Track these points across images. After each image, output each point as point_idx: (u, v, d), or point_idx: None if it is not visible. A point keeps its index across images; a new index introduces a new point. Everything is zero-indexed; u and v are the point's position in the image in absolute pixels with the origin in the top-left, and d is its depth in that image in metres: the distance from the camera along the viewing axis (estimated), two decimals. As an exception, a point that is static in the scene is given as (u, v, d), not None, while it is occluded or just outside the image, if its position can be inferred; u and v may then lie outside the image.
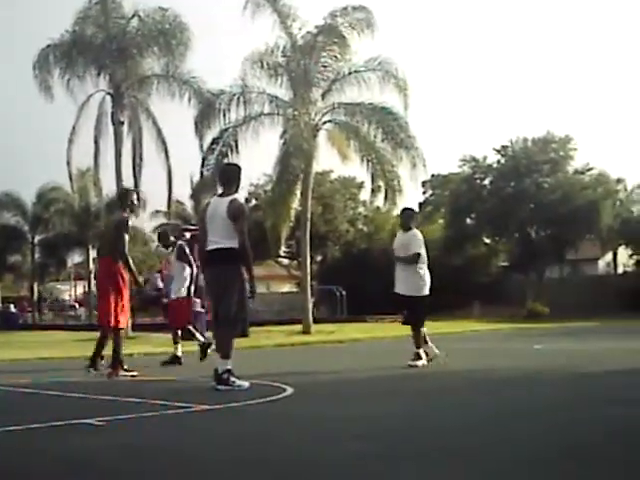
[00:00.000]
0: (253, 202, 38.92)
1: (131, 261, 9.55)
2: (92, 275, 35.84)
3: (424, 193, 44.41)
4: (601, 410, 5.93)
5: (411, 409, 6.41)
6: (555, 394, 7.16)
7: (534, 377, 8.75)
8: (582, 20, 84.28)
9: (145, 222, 44.13)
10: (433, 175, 41.97)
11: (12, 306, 43.01)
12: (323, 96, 25.06)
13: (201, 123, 24.56)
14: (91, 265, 37.96)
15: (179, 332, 11.79)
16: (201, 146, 24.65)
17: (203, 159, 24.58)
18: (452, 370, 9.93)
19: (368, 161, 24.73)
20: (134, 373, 9.58)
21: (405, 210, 11.36)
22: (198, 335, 11.86)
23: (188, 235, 17.87)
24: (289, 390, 7.40)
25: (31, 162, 71.14)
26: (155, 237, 41.10)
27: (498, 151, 39.18)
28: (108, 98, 25.72)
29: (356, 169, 27.09)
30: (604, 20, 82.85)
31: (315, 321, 24.96)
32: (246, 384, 7.62)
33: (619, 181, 39.70)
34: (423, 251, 10.35)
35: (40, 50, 24.95)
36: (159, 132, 26.40)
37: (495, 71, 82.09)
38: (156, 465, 4.24)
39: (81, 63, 25.01)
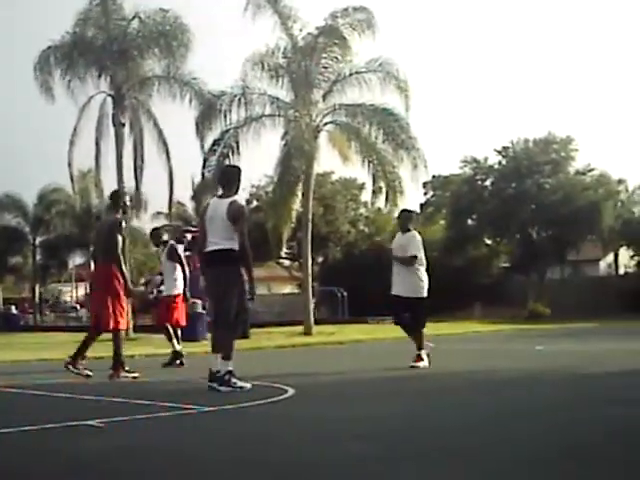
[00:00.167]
0: (254, 203, 38.91)
1: (124, 266, 9.46)
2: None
3: (425, 194, 44.36)
4: (601, 410, 5.94)
5: (412, 409, 6.42)
6: (555, 394, 7.17)
7: (535, 378, 8.76)
8: (583, 21, 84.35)
9: (146, 223, 44.09)
10: (434, 176, 41.91)
11: (13, 307, 43.02)
12: (324, 97, 25.06)
13: (202, 124, 24.55)
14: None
15: (170, 329, 11.78)
16: (202, 147, 24.65)
17: (204, 160, 24.58)
18: (453, 371, 9.95)
19: (369, 162, 24.72)
20: (135, 374, 9.58)
21: (403, 212, 11.35)
22: (175, 341, 11.79)
23: (189, 236, 17.92)
24: (290, 391, 7.40)
25: (31, 163, 71.16)
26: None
27: (499, 152, 39.16)
28: (109, 99, 25.72)
29: (357, 170, 27.09)
30: (606, 21, 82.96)
31: (316, 322, 24.95)
32: (248, 385, 7.63)
33: (620, 182, 39.65)
34: (421, 253, 10.32)
35: (41, 51, 24.94)
36: (160, 133, 26.40)
37: (496, 72, 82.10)
38: (157, 466, 4.25)
39: (82, 64, 25.00)
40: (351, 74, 24.82)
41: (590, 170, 38.63)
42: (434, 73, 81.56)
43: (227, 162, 23.22)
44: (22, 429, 5.52)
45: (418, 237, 10.43)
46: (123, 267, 9.41)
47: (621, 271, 41.59)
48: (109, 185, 26.44)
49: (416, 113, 45.62)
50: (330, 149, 25.67)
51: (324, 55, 24.82)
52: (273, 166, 25.64)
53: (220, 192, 8.09)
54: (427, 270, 10.46)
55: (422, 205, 44.78)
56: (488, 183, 39.55)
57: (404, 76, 24.49)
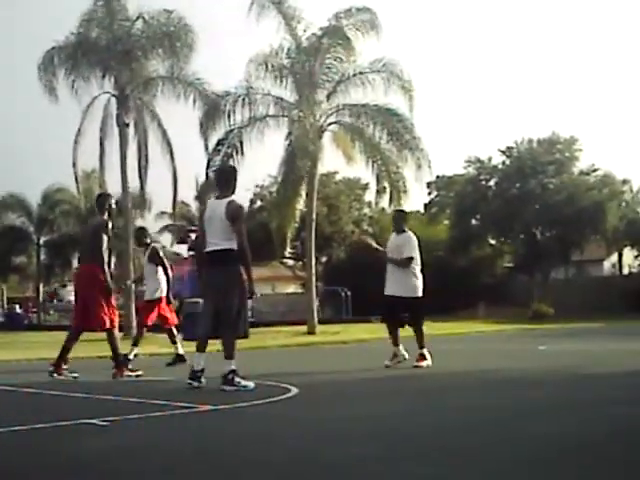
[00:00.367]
0: (258, 203, 38.97)
1: (107, 267, 9.42)
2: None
3: (429, 194, 44.34)
4: (604, 410, 5.94)
5: (412, 409, 6.43)
6: (557, 394, 7.17)
7: (537, 378, 8.75)
8: (588, 21, 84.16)
9: (150, 223, 44.18)
10: (438, 176, 41.92)
11: (17, 307, 43.12)
12: (328, 97, 25.08)
13: (206, 124, 24.58)
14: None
15: (174, 331, 11.75)
16: (206, 147, 24.71)
17: (208, 160, 24.61)
18: (455, 370, 9.96)
19: (373, 162, 24.75)
20: (139, 373, 9.64)
21: (397, 212, 11.30)
22: (179, 345, 11.73)
23: (193, 236, 17.89)
24: (294, 390, 7.41)
25: (32, 163, 71.07)
26: (160, 239, 41.20)
27: (503, 152, 39.17)
28: (113, 100, 25.78)
29: (361, 170, 27.14)
30: (610, 21, 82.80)
31: (320, 322, 24.99)
32: (251, 384, 7.64)
33: (625, 182, 39.61)
34: (417, 254, 10.23)
35: (45, 52, 25.00)
36: (164, 134, 26.45)
37: (500, 72, 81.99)
38: (158, 465, 4.25)
39: (86, 65, 25.05)
40: (355, 74, 24.84)
41: (594, 170, 38.63)
42: (438, 73, 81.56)
43: (231, 162, 23.27)
44: (29, 428, 5.54)
45: (414, 238, 10.35)
46: (106, 267, 9.42)
47: (625, 271, 41.55)
48: (113, 185, 26.54)
49: (420, 113, 45.72)
50: (334, 149, 25.75)
51: (328, 55, 24.85)
52: (277, 166, 25.75)
53: (217, 193, 8.12)
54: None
55: (426, 205, 44.80)
56: (492, 183, 39.56)
57: (408, 76, 24.57)
